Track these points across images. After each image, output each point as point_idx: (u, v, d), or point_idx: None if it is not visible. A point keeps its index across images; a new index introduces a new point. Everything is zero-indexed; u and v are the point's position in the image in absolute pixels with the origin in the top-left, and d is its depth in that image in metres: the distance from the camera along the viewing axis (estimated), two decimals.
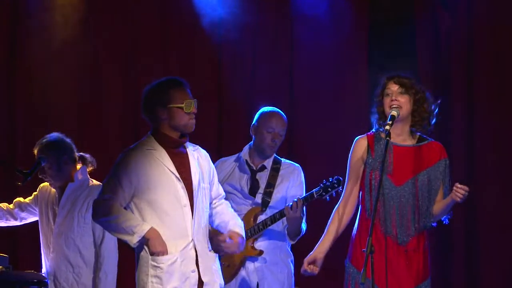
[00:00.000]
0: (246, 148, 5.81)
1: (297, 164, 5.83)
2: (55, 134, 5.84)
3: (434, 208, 4.75)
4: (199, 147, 4.96)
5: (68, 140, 5.83)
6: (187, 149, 4.86)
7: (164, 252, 4.63)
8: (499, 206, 6.97)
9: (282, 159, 5.81)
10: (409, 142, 4.81)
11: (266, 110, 5.79)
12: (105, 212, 4.65)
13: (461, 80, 7.13)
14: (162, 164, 4.75)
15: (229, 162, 5.85)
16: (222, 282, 4.85)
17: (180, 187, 4.73)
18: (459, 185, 4.56)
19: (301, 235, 5.60)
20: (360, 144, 4.86)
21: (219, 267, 4.87)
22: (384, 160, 4.57)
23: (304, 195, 5.54)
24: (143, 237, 4.62)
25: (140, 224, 4.64)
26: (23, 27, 7.40)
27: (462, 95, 7.13)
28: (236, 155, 5.85)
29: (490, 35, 7.07)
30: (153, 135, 4.82)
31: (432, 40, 7.18)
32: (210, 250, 4.80)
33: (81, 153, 5.88)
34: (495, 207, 6.97)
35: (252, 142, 5.79)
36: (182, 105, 4.73)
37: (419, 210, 4.73)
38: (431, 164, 4.77)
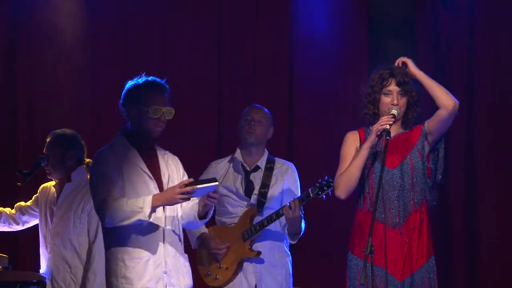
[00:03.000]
0: (238, 150, 5.84)
1: (290, 163, 5.84)
2: (71, 131, 5.86)
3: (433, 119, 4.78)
4: (168, 152, 4.90)
5: (81, 141, 5.84)
6: (157, 151, 4.81)
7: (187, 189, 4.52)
8: (499, 205, 6.99)
9: (275, 158, 5.82)
10: (398, 131, 4.84)
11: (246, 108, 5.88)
12: (106, 210, 4.54)
13: (461, 80, 7.13)
14: (135, 163, 4.69)
15: (223, 164, 5.87)
16: (191, 283, 4.79)
17: (153, 186, 4.69)
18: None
19: (301, 234, 5.60)
20: (352, 138, 4.87)
21: (189, 268, 4.81)
22: (384, 158, 4.59)
23: (300, 195, 5.55)
24: (152, 205, 4.52)
25: (141, 198, 4.55)
26: (24, 27, 7.40)
27: (462, 95, 7.13)
28: (229, 156, 5.88)
29: (490, 35, 7.08)
30: (124, 135, 4.76)
31: (432, 40, 7.18)
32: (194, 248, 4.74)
33: (90, 160, 5.86)
34: (495, 206, 6.99)
35: (241, 144, 5.84)
36: (148, 109, 4.66)
37: (414, 188, 4.75)
38: (417, 140, 4.80)
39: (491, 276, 6.97)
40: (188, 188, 4.52)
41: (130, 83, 4.79)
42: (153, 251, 4.63)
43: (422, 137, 4.80)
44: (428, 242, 4.77)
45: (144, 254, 4.61)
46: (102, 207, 4.56)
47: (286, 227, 5.62)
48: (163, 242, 4.66)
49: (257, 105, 5.89)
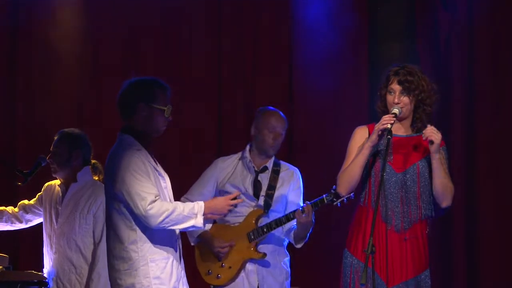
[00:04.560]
0: (247, 149, 5.76)
1: (295, 167, 5.79)
2: (80, 131, 5.86)
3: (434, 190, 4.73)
4: None
5: (89, 141, 5.83)
6: None
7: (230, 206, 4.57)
8: (499, 206, 6.99)
9: (280, 161, 5.78)
10: (409, 132, 4.81)
11: (265, 109, 5.75)
12: (160, 211, 4.42)
13: (461, 80, 7.13)
14: (150, 164, 4.61)
15: (230, 161, 5.78)
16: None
17: (163, 185, 4.65)
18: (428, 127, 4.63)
19: (306, 240, 5.57)
20: (361, 133, 4.84)
21: None
22: (385, 157, 4.56)
23: (314, 200, 5.45)
24: (204, 213, 4.48)
25: (194, 203, 4.51)
26: (24, 28, 7.41)
27: (462, 95, 7.14)
28: (237, 154, 5.80)
29: (490, 35, 7.08)
30: (130, 134, 4.64)
31: (432, 40, 7.18)
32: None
33: (96, 161, 5.85)
34: (495, 207, 6.99)
35: (251, 142, 5.76)
36: (165, 108, 4.61)
37: (421, 197, 4.73)
38: (427, 154, 4.75)
39: (491, 276, 6.97)
40: (240, 201, 4.60)
41: (133, 82, 4.69)
42: (174, 250, 4.59)
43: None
44: (425, 255, 4.75)
45: (170, 254, 4.56)
46: (154, 208, 4.43)
47: (292, 232, 5.55)
48: (179, 241, 4.64)
49: (281, 113, 5.73)
